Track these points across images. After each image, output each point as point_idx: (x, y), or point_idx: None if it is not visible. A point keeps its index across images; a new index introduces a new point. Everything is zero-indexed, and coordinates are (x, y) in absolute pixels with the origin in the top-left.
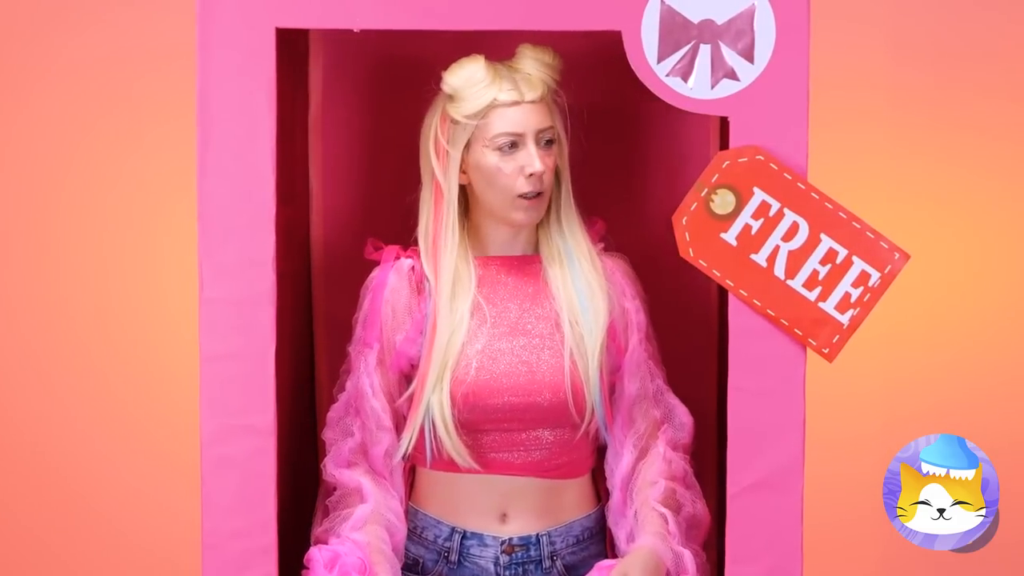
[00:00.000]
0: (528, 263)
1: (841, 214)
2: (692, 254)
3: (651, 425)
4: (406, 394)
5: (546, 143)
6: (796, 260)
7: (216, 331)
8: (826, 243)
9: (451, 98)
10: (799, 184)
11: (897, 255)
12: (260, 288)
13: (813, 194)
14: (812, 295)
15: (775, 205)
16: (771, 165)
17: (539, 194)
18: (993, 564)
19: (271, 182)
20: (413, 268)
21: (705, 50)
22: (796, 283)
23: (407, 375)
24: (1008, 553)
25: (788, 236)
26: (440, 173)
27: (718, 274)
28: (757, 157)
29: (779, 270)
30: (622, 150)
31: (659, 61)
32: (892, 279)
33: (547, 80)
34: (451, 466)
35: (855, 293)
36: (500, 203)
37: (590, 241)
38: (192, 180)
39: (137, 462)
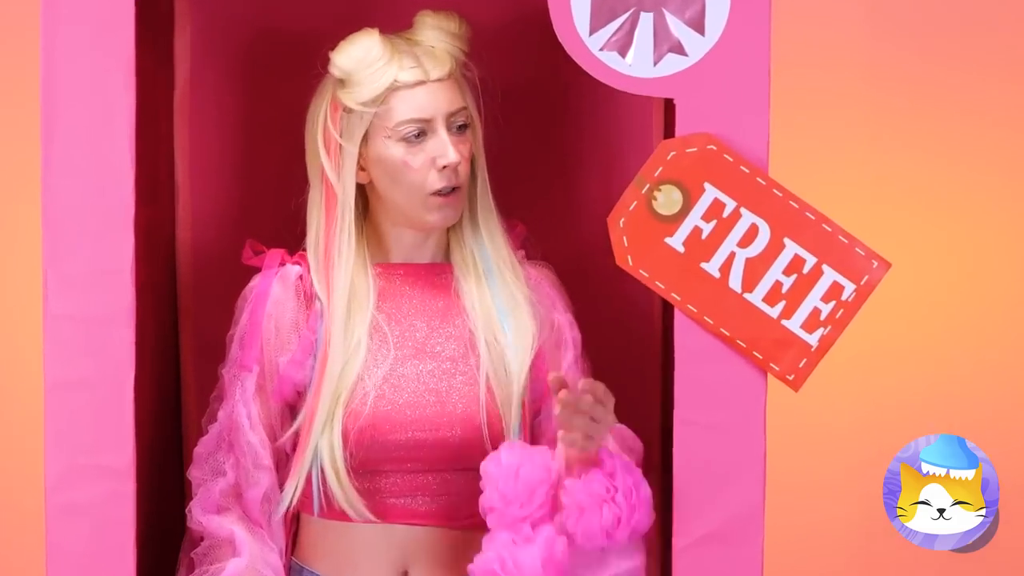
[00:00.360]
0: (437, 273)
1: (808, 215)
2: (631, 262)
3: None
4: (290, 431)
5: (458, 128)
6: (755, 270)
7: (64, 353)
8: (791, 249)
9: (342, 83)
10: (758, 179)
11: (875, 263)
12: (116, 302)
13: (775, 191)
14: (774, 311)
15: (730, 204)
16: (725, 156)
17: (455, 189)
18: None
19: (130, 177)
20: (301, 277)
21: (646, 19)
22: (755, 297)
23: (292, 404)
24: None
25: (745, 241)
26: (332, 171)
27: (662, 286)
28: (709, 147)
29: (735, 282)
30: (547, 138)
31: (591, 33)
32: (869, 292)
33: (454, 53)
34: (343, 515)
35: (825, 309)
36: (409, 203)
37: (511, 246)
38: (36, 176)
39: None
